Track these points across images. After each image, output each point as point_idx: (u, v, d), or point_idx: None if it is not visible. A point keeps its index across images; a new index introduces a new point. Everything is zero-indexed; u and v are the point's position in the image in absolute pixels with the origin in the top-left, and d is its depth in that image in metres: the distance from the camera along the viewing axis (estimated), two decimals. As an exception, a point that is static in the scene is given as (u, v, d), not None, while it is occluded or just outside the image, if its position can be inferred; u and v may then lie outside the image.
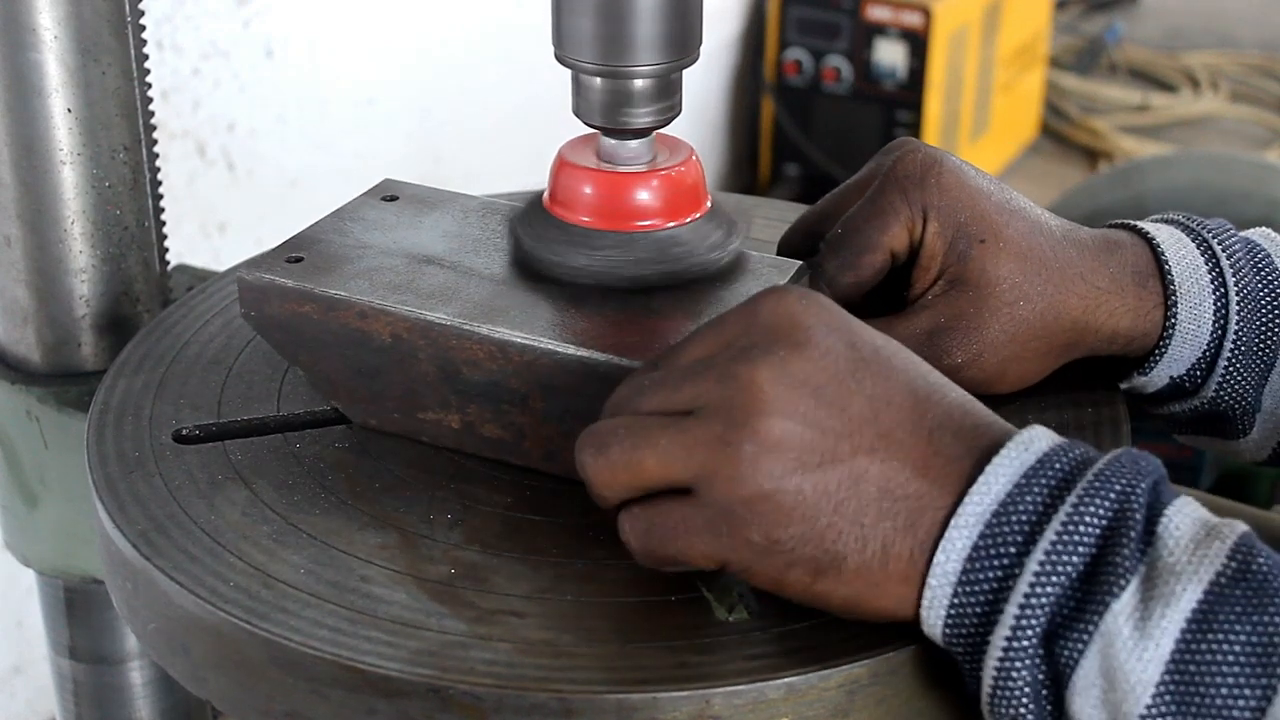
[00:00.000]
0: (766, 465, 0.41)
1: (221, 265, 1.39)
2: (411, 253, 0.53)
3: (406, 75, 1.48)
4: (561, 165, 0.53)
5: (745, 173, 2.07)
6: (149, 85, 0.63)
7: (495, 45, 1.57)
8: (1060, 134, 2.25)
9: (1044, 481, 0.42)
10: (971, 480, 0.42)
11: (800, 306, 0.43)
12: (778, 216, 0.69)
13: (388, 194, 0.58)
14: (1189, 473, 1.02)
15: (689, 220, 0.52)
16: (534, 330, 0.49)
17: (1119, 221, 0.57)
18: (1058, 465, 0.42)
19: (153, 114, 0.64)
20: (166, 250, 0.67)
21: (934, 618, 0.42)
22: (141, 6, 0.62)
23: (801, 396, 0.42)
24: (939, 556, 0.41)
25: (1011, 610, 0.40)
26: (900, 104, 1.95)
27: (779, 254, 0.57)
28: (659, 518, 0.43)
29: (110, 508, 0.50)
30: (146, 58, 0.63)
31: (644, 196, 0.51)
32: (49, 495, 0.65)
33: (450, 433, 0.52)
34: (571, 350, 0.48)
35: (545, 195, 0.54)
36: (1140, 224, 0.56)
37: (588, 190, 0.51)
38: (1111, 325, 0.54)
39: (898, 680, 0.44)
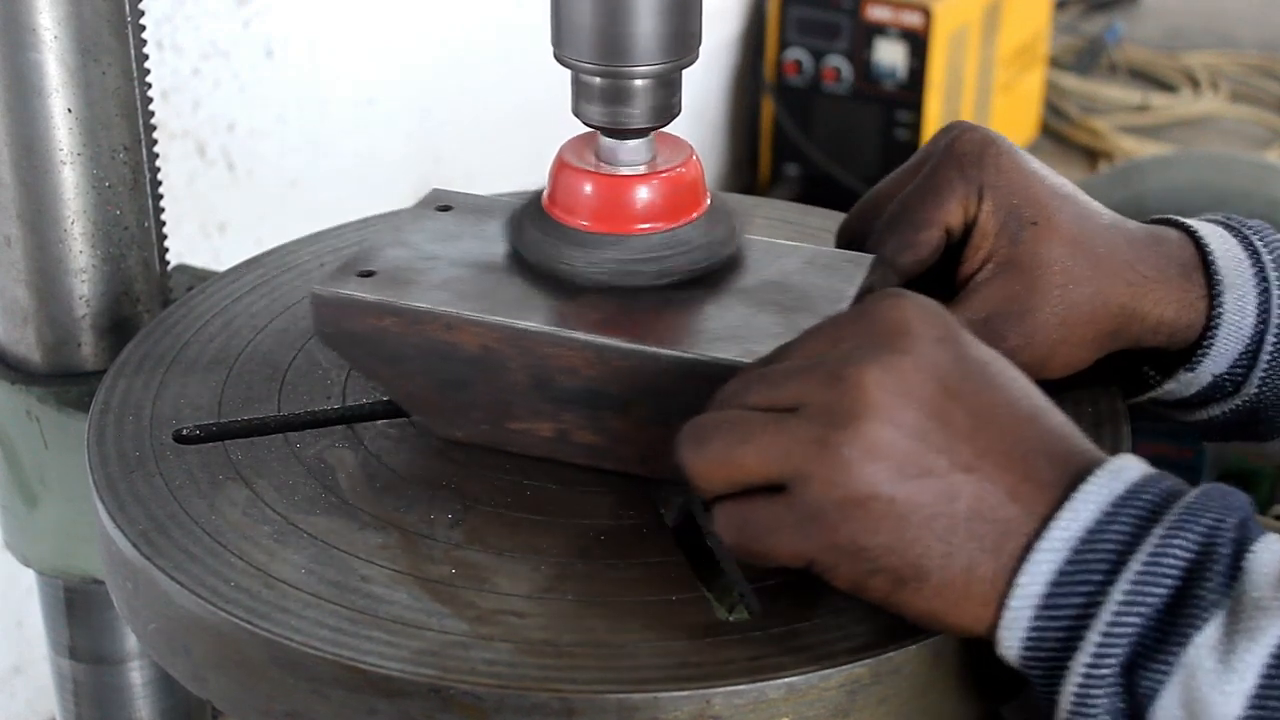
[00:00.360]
0: (863, 470, 0.42)
1: (221, 265, 1.39)
2: (481, 262, 0.53)
3: (406, 75, 1.48)
4: (561, 166, 0.53)
5: (745, 173, 2.07)
6: (149, 85, 0.63)
7: (495, 45, 1.57)
8: (1060, 134, 2.25)
9: (1132, 511, 0.42)
10: (1060, 506, 0.42)
11: (913, 315, 0.44)
12: (778, 216, 0.69)
13: (441, 204, 0.57)
14: (1189, 473, 1.02)
15: (689, 220, 0.52)
16: (633, 334, 0.48)
17: (1161, 216, 0.57)
18: (1147, 496, 0.42)
19: (153, 114, 0.64)
20: (166, 250, 0.67)
21: (1012, 639, 0.42)
22: (141, 6, 0.62)
23: (906, 406, 0.42)
24: (1022, 579, 0.42)
25: (1093, 638, 0.41)
26: (900, 104, 1.95)
27: (837, 243, 0.57)
28: (752, 514, 0.43)
29: (111, 507, 0.50)
30: (146, 58, 0.63)
31: (643, 197, 0.51)
32: (49, 495, 0.65)
33: (541, 442, 0.51)
34: (675, 352, 0.48)
35: (544, 195, 0.54)
36: (1182, 219, 0.56)
37: (587, 190, 0.51)
38: (1157, 314, 0.54)
39: (899, 680, 0.44)
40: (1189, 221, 0.56)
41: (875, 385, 0.42)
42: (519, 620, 0.45)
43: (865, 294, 0.52)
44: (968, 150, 0.53)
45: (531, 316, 0.50)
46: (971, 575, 0.42)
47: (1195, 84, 2.35)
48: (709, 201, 0.53)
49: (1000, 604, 0.42)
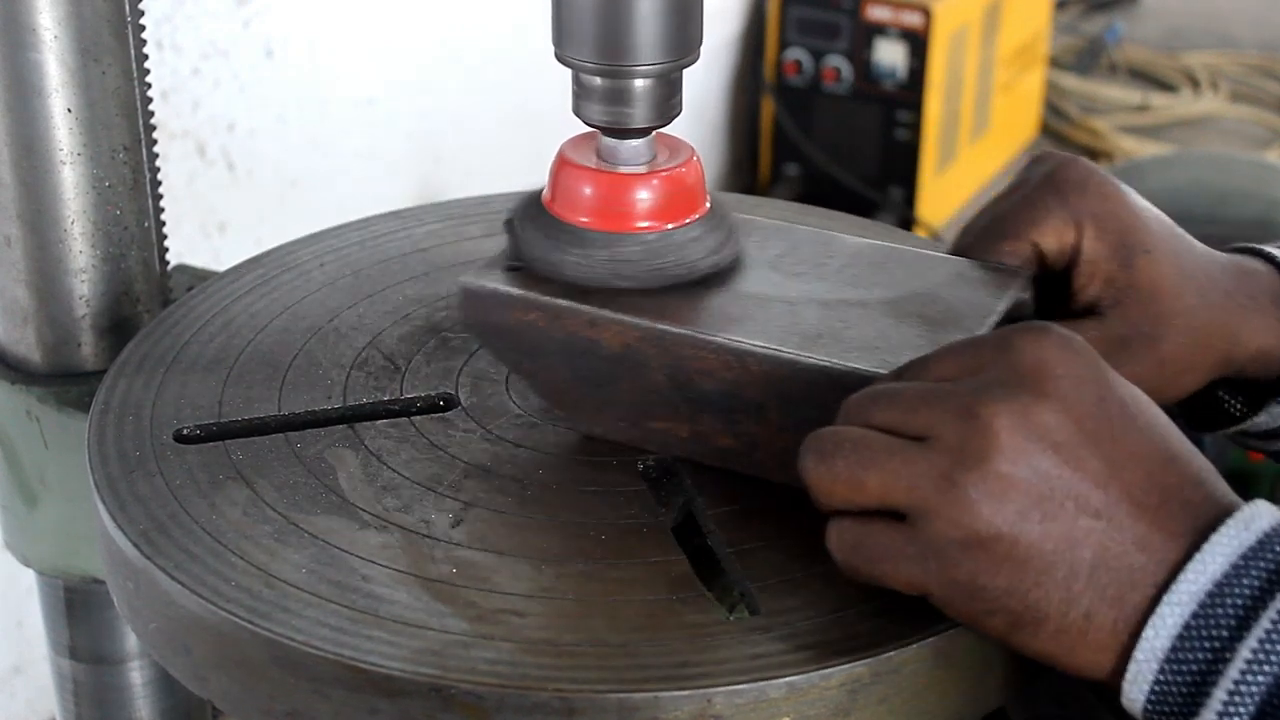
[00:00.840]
0: (988, 512, 0.41)
1: (221, 265, 1.38)
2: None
3: (406, 75, 1.48)
4: (561, 164, 0.53)
5: (745, 173, 2.07)
6: (149, 85, 0.63)
7: (495, 45, 1.57)
8: (1060, 134, 2.25)
9: (1263, 565, 0.41)
10: (1189, 557, 0.42)
11: (1056, 354, 0.43)
12: (778, 216, 0.69)
13: None
14: None
15: (689, 220, 0.52)
16: (771, 339, 0.48)
17: (1242, 245, 0.57)
18: (1278, 548, 0.41)
19: (153, 114, 0.64)
20: (166, 250, 0.67)
21: (1136, 692, 0.42)
22: (141, 6, 0.62)
23: (1038, 449, 0.42)
24: (1148, 632, 0.41)
25: (1220, 695, 0.40)
26: (900, 104, 1.95)
27: None
28: (869, 538, 0.43)
29: (111, 507, 0.50)
30: (146, 58, 0.63)
31: (643, 196, 0.51)
32: (49, 495, 0.65)
33: (679, 442, 0.51)
34: (812, 359, 0.47)
35: (545, 194, 0.54)
36: (1261, 247, 0.56)
37: (587, 190, 0.51)
38: (1257, 342, 0.54)
39: (899, 679, 0.44)
40: (1267, 249, 0.56)
41: (1008, 428, 0.42)
42: (520, 620, 0.45)
43: (1013, 312, 0.51)
44: (1071, 178, 0.53)
45: (673, 317, 0.49)
46: (1090, 623, 0.42)
47: (1195, 84, 2.35)
48: (709, 202, 0.53)
49: (1123, 654, 0.42)
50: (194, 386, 0.57)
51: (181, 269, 0.71)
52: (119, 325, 0.64)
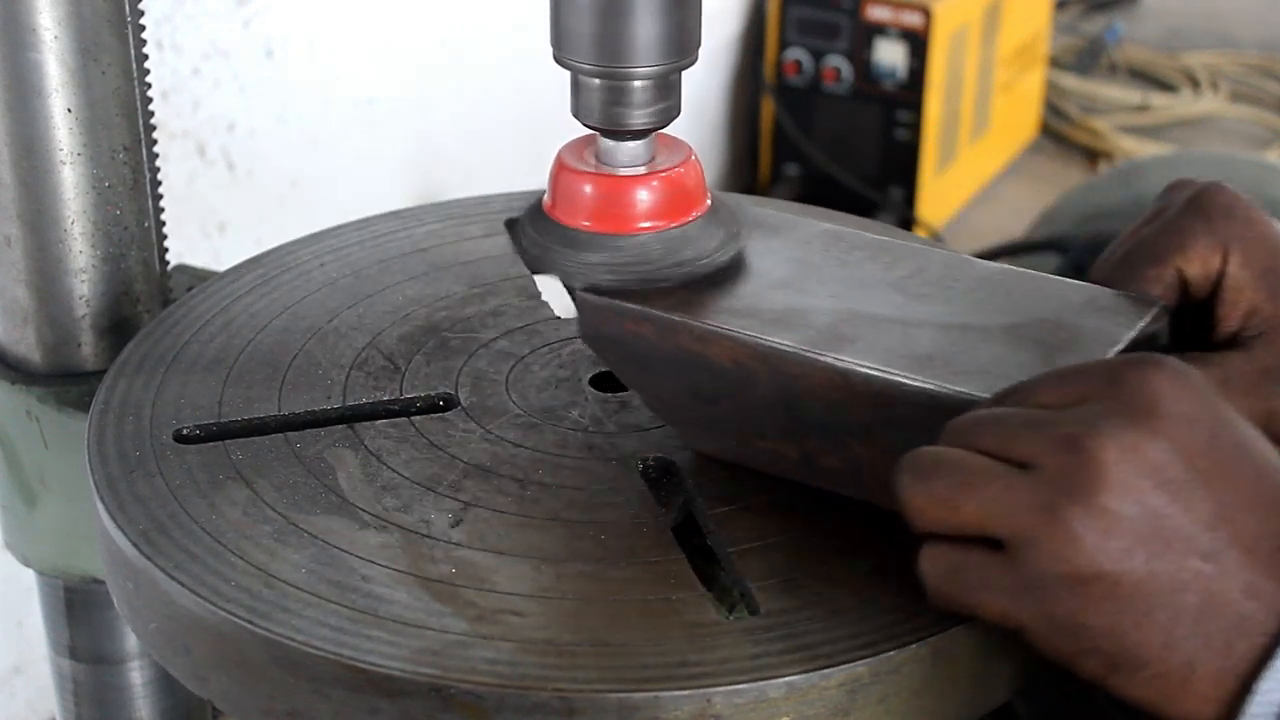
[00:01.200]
0: (1090, 547, 0.40)
1: (221, 265, 1.38)
2: (755, 279, 0.52)
3: (406, 75, 1.48)
4: (560, 168, 0.53)
5: (745, 173, 2.07)
6: (149, 85, 0.63)
7: (495, 44, 1.57)
8: (1060, 134, 2.25)
9: None
10: None
11: (1169, 388, 0.41)
12: (782, 200, 0.70)
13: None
14: None
15: (689, 220, 0.52)
16: (879, 359, 0.47)
17: None
18: None
19: (153, 114, 0.64)
20: (166, 250, 0.67)
21: None
22: (141, 6, 0.62)
23: (1146, 485, 0.40)
24: (1265, 684, 0.40)
25: None
26: (900, 104, 1.95)
27: None
28: (965, 565, 0.42)
29: (111, 507, 0.50)
30: (146, 58, 0.63)
31: (643, 197, 0.51)
32: (49, 495, 0.65)
33: (789, 464, 0.50)
34: (917, 381, 0.46)
35: (545, 197, 0.54)
36: None
37: (587, 191, 0.51)
38: None
39: (899, 679, 0.44)
40: None
41: (1116, 462, 0.40)
42: (519, 619, 0.45)
43: (1142, 342, 0.49)
44: (1217, 203, 0.51)
45: (784, 335, 0.48)
46: (1193, 671, 0.40)
47: (1195, 84, 2.35)
48: (709, 201, 0.53)
49: (1229, 705, 0.40)
50: (194, 386, 0.57)
51: (181, 269, 0.71)
52: (119, 325, 0.64)
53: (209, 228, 1.29)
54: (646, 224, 0.51)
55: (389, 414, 0.55)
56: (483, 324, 0.61)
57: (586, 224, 0.52)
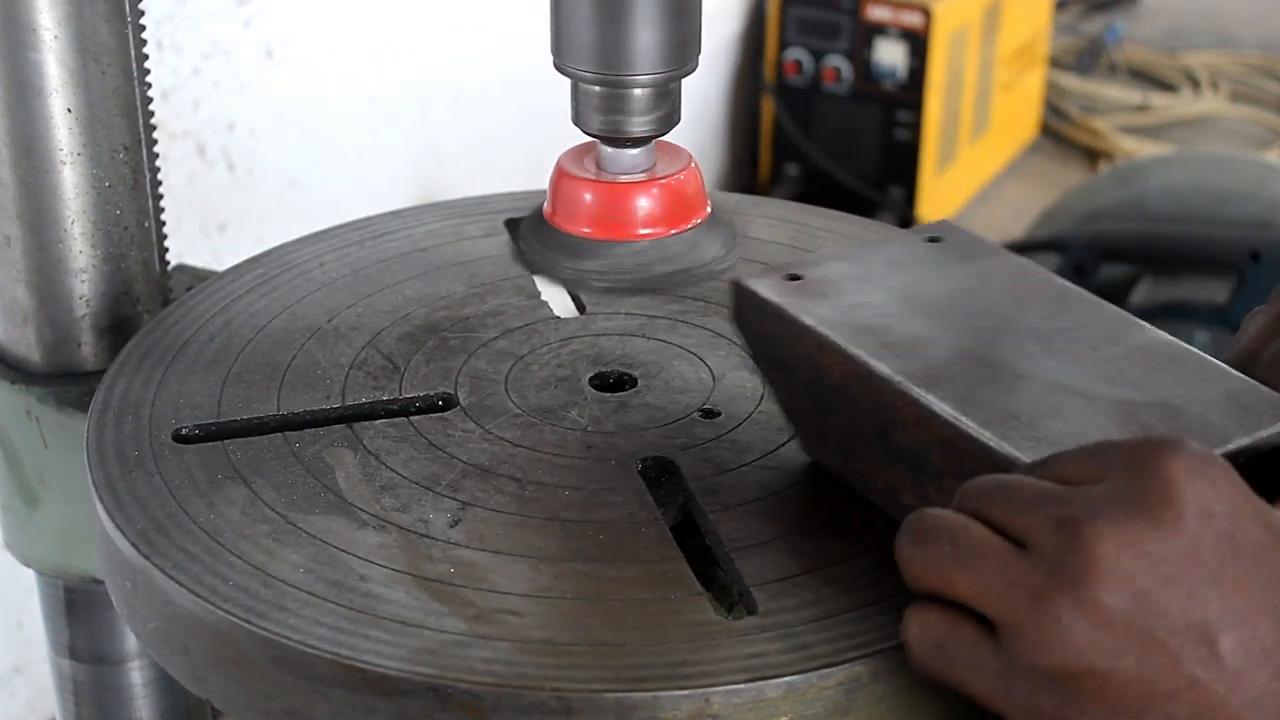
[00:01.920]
0: (1079, 640, 0.38)
1: (221, 265, 1.38)
2: (909, 299, 0.50)
3: (406, 75, 1.48)
4: (560, 175, 0.53)
5: (745, 173, 2.07)
6: (149, 85, 0.63)
7: (496, 44, 1.57)
8: (1060, 134, 2.25)
9: None
10: None
11: (1185, 479, 0.38)
12: (778, 216, 0.70)
13: (935, 235, 0.54)
14: None
15: (688, 227, 0.52)
16: (958, 405, 0.45)
17: None
18: None
19: (153, 114, 0.64)
20: (166, 250, 0.67)
21: None
22: (141, 6, 0.62)
23: (1145, 580, 0.38)
24: None
25: None
26: (900, 104, 1.95)
27: None
28: (954, 642, 0.40)
29: (110, 507, 0.50)
30: (146, 57, 0.63)
31: (643, 205, 0.51)
32: (49, 495, 0.65)
33: (876, 490, 0.49)
34: (986, 439, 0.44)
35: (545, 204, 0.54)
36: None
37: (586, 199, 0.51)
38: None
39: (897, 679, 0.44)
40: None
41: (1113, 552, 0.38)
42: (517, 619, 0.45)
43: (1265, 452, 0.45)
44: None
45: (890, 362, 0.47)
46: None
47: (1195, 84, 2.35)
48: (709, 209, 0.53)
49: None
50: (193, 386, 0.57)
51: (181, 269, 0.71)
52: (119, 325, 0.64)
53: (209, 228, 1.29)
54: (646, 231, 0.51)
55: (388, 414, 0.55)
56: (482, 324, 0.61)
57: (586, 231, 0.52)
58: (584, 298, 0.63)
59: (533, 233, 0.53)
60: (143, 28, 0.62)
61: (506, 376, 0.57)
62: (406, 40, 1.48)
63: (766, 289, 0.51)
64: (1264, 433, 0.45)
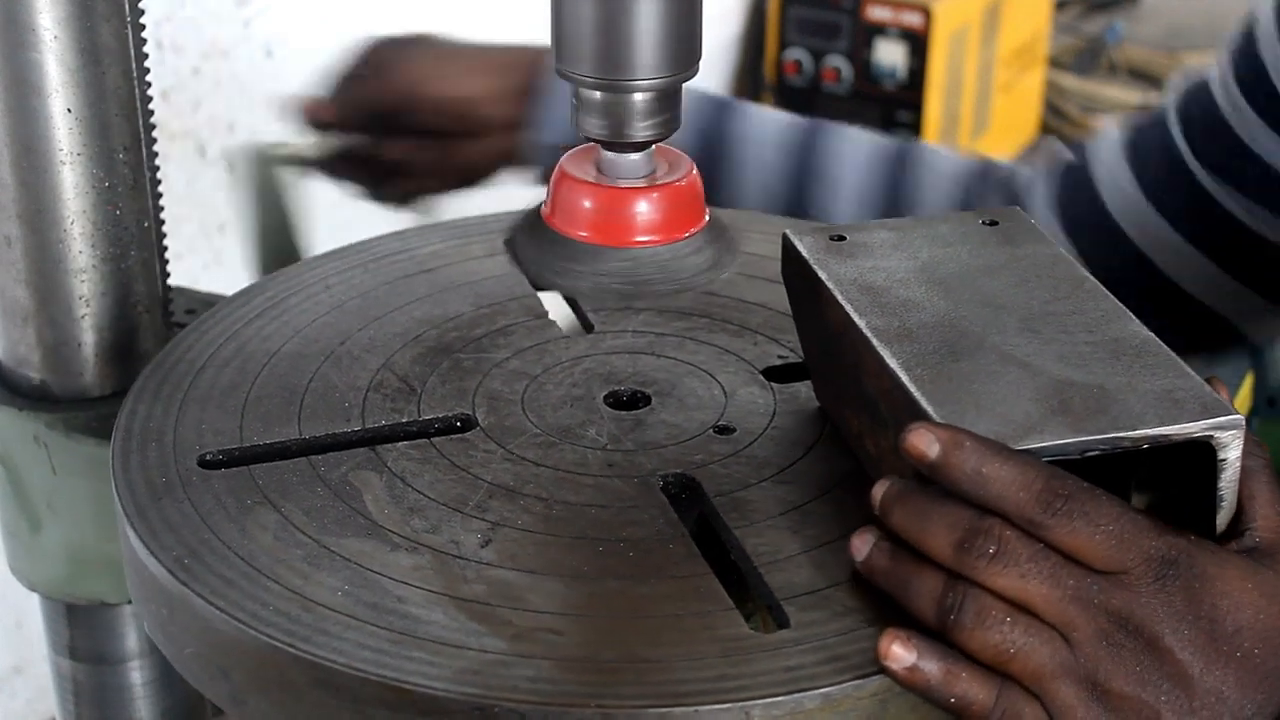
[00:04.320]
0: None
1: (222, 265, 1.39)
2: (928, 269, 0.56)
3: None
4: (560, 177, 0.55)
5: (741, 176, 2.10)
6: (149, 85, 0.64)
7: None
8: (1060, 134, 2.29)
9: None
10: None
11: (1249, 616, 0.44)
12: (778, 217, 0.73)
13: (996, 219, 0.59)
14: None
15: (687, 234, 0.54)
16: (913, 367, 0.50)
17: None
18: None
19: (153, 114, 0.65)
20: (166, 250, 0.68)
21: None
22: (141, 6, 0.62)
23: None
24: None
25: None
26: (900, 104, 1.99)
27: None
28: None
29: (143, 534, 0.52)
30: (146, 57, 0.64)
31: (643, 210, 0.53)
32: (56, 520, 0.66)
33: (852, 436, 0.56)
34: (924, 402, 0.49)
35: (544, 208, 0.56)
36: None
37: (586, 204, 0.53)
38: None
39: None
40: None
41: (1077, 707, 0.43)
42: (557, 638, 0.47)
43: (1182, 446, 0.48)
44: None
45: (870, 316, 0.53)
46: None
47: (1198, 82, 2.40)
48: (708, 215, 0.55)
49: None
50: (213, 412, 0.59)
51: (180, 291, 0.73)
52: (118, 325, 0.65)
53: (209, 228, 1.32)
54: (645, 237, 0.53)
55: (409, 436, 0.58)
56: (493, 344, 0.64)
57: (584, 235, 0.53)
58: (591, 316, 0.66)
59: (529, 233, 0.55)
60: (143, 27, 0.63)
61: (522, 396, 0.60)
62: None
63: (805, 244, 0.57)
64: (1178, 426, 0.48)
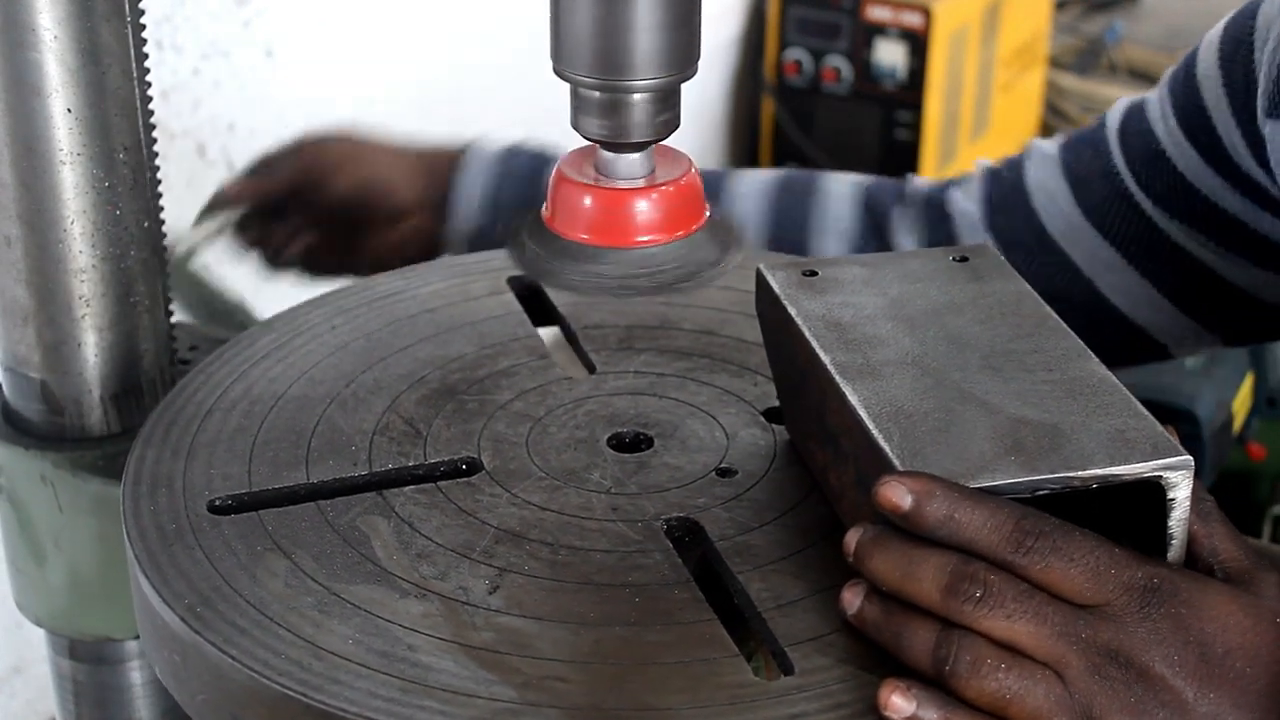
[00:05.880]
0: None
1: (222, 266, 1.41)
2: (899, 304, 0.58)
3: (407, 75, 1.53)
4: (559, 179, 0.55)
5: (742, 176, 2.12)
6: (149, 85, 0.65)
7: (496, 45, 1.61)
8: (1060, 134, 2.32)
9: None
10: None
11: (1242, 645, 0.46)
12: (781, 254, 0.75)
13: (965, 255, 0.62)
14: None
15: (687, 233, 0.55)
16: (874, 405, 0.53)
17: None
18: None
19: (153, 114, 0.66)
20: (166, 250, 0.70)
21: None
22: (141, 6, 0.64)
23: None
24: None
25: None
26: (900, 104, 2.01)
27: None
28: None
29: (155, 582, 0.54)
30: (146, 57, 0.65)
31: (642, 210, 0.54)
32: (62, 557, 0.68)
33: (817, 469, 0.59)
34: (872, 429, 0.51)
35: (544, 208, 0.57)
36: None
37: (586, 204, 0.54)
38: None
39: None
40: None
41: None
42: (565, 685, 0.49)
43: (1134, 486, 0.50)
44: None
45: (836, 353, 0.55)
46: None
47: (1200, 82, 2.42)
48: (708, 214, 0.56)
49: None
50: (222, 456, 0.61)
51: (183, 328, 0.75)
52: (118, 325, 0.66)
53: None
54: (645, 237, 0.54)
55: (415, 480, 0.60)
56: (496, 385, 0.66)
57: (585, 236, 0.55)
58: (593, 356, 0.68)
59: (530, 235, 0.56)
60: (143, 27, 0.64)
61: (527, 439, 0.62)
62: (407, 41, 1.52)
63: (777, 279, 0.60)
64: (1128, 466, 0.50)
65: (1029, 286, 0.60)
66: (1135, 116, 0.79)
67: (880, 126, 2.02)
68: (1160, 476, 0.50)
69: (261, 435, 0.63)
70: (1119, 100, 0.82)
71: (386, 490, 0.59)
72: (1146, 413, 0.53)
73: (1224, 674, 0.47)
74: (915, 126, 2.02)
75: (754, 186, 0.86)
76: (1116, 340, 0.79)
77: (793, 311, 0.58)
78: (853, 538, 0.50)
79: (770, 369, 0.63)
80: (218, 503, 0.58)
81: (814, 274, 0.60)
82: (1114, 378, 0.55)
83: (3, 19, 0.60)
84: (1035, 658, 0.47)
